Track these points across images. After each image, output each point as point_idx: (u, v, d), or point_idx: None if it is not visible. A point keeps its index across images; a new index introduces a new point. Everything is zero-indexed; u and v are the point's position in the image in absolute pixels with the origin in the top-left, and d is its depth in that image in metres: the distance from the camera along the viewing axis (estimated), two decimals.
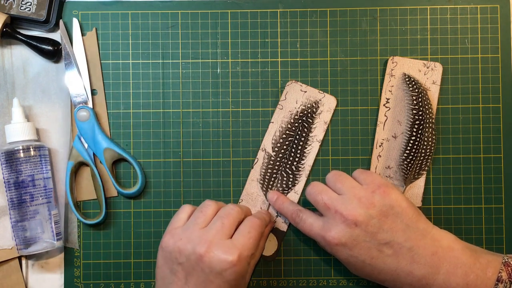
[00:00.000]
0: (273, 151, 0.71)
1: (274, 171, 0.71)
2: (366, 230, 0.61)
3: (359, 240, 0.61)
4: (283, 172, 0.70)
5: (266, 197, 0.71)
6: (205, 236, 0.60)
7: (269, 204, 0.71)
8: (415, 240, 0.61)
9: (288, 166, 0.70)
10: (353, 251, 0.62)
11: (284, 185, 0.71)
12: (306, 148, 0.71)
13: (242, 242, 0.61)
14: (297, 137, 0.70)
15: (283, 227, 0.71)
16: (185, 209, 0.66)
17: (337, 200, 0.63)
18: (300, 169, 0.71)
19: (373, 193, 0.62)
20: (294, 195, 0.72)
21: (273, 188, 0.71)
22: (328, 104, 0.72)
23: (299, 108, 0.71)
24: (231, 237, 0.62)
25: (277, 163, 0.71)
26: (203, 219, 0.63)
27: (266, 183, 0.71)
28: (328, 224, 0.63)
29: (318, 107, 0.71)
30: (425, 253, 0.61)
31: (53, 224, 0.68)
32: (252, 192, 0.72)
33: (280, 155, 0.70)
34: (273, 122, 0.72)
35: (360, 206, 0.62)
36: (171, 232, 0.63)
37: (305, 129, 0.70)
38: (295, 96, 0.72)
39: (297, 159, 0.71)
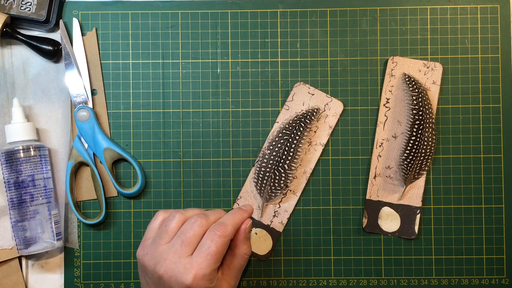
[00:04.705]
0: (267, 149, 0.71)
1: (268, 169, 0.70)
2: None
3: None
4: (275, 171, 0.70)
5: (260, 196, 0.71)
6: (164, 255, 0.60)
7: (264, 204, 0.71)
8: None
9: (280, 165, 0.70)
10: None
11: (276, 184, 0.70)
12: (299, 147, 0.70)
13: (199, 261, 0.59)
14: (292, 135, 0.70)
15: (279, 227, 0.71)
16: (158, 218, 0.64)
17: None
18: (292, 168, 0.70)
19: None
20: (294, 197, 0.72)
21: (266, 186, 0.70)
22: (334, 108, 0.72)
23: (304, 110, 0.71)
24: (192, 253, 0.60)
25: (270, 162, 0.70)
26: (166, 234, 0.61)
27: (260, 182, 0.71)
28: None
29: (320, 112, 0.71)
30: None
31: (53, 224, 0.68)
32: (252, 190, 0.71)
33: (274, 153, 0.70)
34: (278, 122, 0.72)
35: None
36: (143, 244, 0.63)
37: (301, 128, 0.70)
38: (302, 98, 0.72)
39: (290, 158, 0.70)
